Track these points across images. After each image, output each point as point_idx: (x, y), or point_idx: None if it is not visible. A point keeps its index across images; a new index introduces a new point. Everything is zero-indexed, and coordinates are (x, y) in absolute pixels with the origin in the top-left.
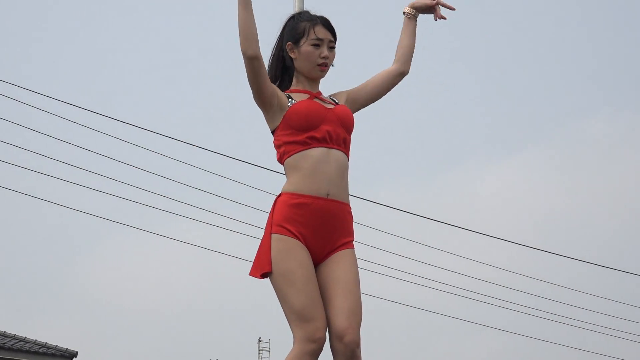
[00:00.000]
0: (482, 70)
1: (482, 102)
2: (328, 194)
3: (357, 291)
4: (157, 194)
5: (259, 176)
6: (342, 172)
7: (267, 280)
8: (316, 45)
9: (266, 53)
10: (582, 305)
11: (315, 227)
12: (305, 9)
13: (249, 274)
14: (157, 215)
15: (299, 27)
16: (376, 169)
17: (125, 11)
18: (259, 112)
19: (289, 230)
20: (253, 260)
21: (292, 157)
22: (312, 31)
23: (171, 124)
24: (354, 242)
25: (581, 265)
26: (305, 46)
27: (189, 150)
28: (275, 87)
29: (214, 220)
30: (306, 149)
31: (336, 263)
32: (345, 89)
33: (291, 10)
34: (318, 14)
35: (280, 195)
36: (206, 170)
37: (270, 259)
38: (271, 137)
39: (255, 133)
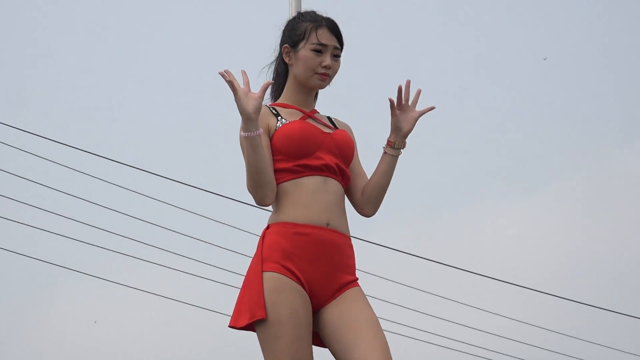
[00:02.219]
0: (498, 90)
1: (500, 128)
2: (328, 224)
3: (382, 333)
4: (121, 236)
5: (236, 213)
6: (341, 202)
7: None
8: (317, 52)
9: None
10: None
11: (317, 262)
12: (304, 9)
13: (229, 325)
14: (119, 261)
15: (299, 27)
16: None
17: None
18: (231, 139)
19: (285, 268)
20: (234, 308)
21: (282, 184)
22: (314, 34)
23: (134, 151)
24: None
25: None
26: (304, 51)
27: (162, 185)
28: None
29: (190, 267)
30: (298, 177)
31: (349, 301)
32: (349, 126)
33: (286, 9)
34: (325, 15)
35: (269, 227)
36: (179, 207)
37: (264, 303)
38: None
39: (233, 162)
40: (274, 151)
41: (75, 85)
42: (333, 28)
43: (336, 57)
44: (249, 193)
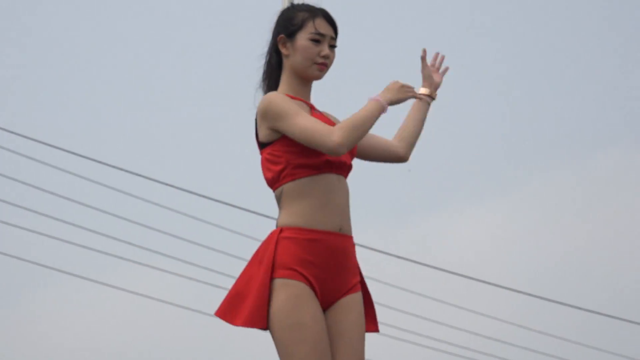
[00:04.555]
0: (467, 93)
1: (474, 127)
2: (340, 229)
3: (361, 349)
4: (109, 237)
5: (226, 215)
6: (348, 203)
7: (236, 327)
8: (316, 41)
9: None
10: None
11: (329, 268)
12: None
13: (216, 314)
14: (106, 262)
15: (296, 17)
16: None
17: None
18: (223, 135)
19: (301, 275)
20: (224, 300)
21: (296, 181)
22: (311, 24)
23: (119, 151)
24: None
25: (592, 317)
26: (302, 40)
27: (153, 188)
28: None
29: (177, 268)
30: (318, 174)
31: (344, 313)
32: (334, 115)
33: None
34: (318, 6)
35: (281, 230)
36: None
37: (267, 311)
38: (256, 151)
39: (227, 164)
40: (294, 142)
41: (62, 84)
42: (329, 18)
43: (332, 47)
44: (341, 135)
